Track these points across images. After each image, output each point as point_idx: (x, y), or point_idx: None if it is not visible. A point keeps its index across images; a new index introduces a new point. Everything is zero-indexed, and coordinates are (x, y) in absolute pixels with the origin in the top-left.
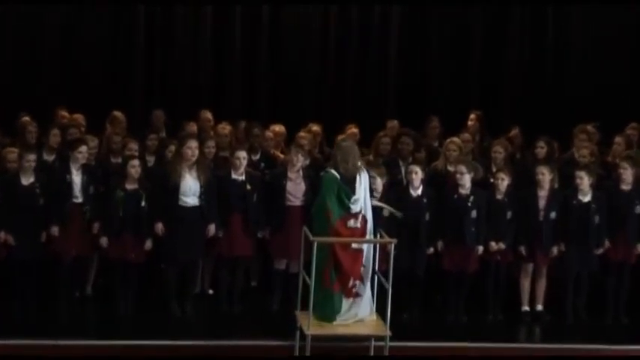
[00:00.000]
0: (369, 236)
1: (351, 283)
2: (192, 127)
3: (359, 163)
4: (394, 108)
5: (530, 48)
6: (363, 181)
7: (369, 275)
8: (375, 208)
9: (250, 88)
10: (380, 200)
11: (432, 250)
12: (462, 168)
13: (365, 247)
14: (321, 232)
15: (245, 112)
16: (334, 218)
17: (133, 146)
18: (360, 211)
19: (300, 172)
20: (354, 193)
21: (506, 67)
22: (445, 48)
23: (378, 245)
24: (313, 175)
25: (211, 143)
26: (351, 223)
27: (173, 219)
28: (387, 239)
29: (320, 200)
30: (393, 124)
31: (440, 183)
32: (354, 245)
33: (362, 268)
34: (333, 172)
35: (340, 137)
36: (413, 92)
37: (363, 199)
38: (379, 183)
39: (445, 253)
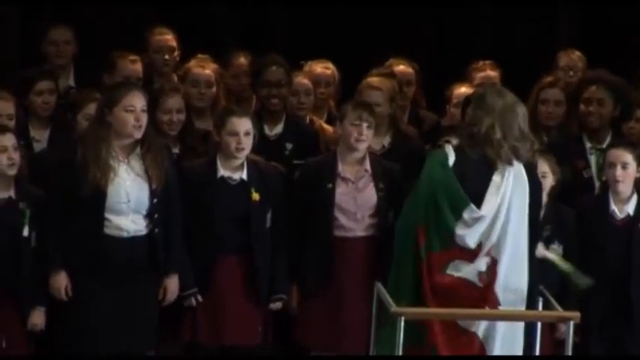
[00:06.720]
0: (510, 306)
1: None
2: (135, 65)
3: (523, 148)
4: (569, 26)
5: None
6: (508, 187)
7: None
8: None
9: None
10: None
11: None
12: None
13: (486, 327)
14: (408, 286)
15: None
16: (427, 247)
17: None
18: (484, 248)
19: (367, 165)
20: (477, 202)
21: None
22: None
23: (539, 327)
24: (398, 172)
25: (174, 102)
26: (459, 267)
27: (90, 265)
28: (558, 312)
29: (409, 203)
30: (572, 57)
31: None
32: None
33: None
34: (450, 150)
35: (491, 84)
36: None
37: (499, 222)
38: (545, 183)
39: None
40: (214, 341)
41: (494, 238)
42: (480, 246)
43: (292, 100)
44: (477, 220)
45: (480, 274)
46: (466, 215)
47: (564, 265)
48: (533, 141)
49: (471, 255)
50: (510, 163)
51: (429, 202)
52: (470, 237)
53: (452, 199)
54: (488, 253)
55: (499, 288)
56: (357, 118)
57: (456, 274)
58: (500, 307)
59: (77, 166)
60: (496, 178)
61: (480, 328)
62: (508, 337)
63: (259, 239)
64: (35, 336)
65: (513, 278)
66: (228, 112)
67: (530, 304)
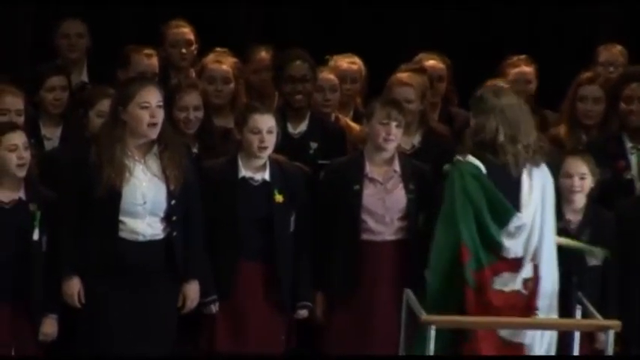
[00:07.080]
0: (544, 312)
1: None
2: (150, 60)
3: (533, 146)
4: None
5: None
6: (537, 188)
7: None
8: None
9: None
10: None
11: None
12: None
13: (533, 338)
14: (444, 298)
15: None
16: (474, 264)
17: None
18: (528, 255)
19: (396, 165)
20: (517, 209)
21: None
22: None
23: (578, 337)
24: (429, 172)
25: (192, 99)
26: (507, 280)
27: (104, 270)
28: (598, 321)
29: (444, 223)
30: (613, 52)
31: None
32: (503, 333)
33: None
34: (474, 161)
35: (488, 85)
36: None
37: (537, 226)
38: (583, 185)
39: None
40: (235, 350)
41: (534, 243)
42: (523, 255)
43: (317, 97)
44: (519, 228)
45: (524, 281)
46: (511, 225)
47: (574, 244)
48: (541, 137)
49: (515, 265)
50: (532, 165)
51: (468, 218)
52: (515, 247)
53: (496, 210)
54: (532, 260)
55: (540, 294)
56: (385, 117)
57: (506, 289)
58: (538, 313)
59: (91, 166)
60: (525, 182)
61: (528, 337)
62: (552, 345)
63: (283, 243)
64: (46, 343)
65: (548, 282)
66: (250, 108)
67: (568, 310)
